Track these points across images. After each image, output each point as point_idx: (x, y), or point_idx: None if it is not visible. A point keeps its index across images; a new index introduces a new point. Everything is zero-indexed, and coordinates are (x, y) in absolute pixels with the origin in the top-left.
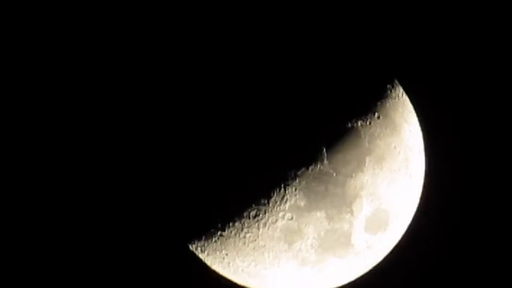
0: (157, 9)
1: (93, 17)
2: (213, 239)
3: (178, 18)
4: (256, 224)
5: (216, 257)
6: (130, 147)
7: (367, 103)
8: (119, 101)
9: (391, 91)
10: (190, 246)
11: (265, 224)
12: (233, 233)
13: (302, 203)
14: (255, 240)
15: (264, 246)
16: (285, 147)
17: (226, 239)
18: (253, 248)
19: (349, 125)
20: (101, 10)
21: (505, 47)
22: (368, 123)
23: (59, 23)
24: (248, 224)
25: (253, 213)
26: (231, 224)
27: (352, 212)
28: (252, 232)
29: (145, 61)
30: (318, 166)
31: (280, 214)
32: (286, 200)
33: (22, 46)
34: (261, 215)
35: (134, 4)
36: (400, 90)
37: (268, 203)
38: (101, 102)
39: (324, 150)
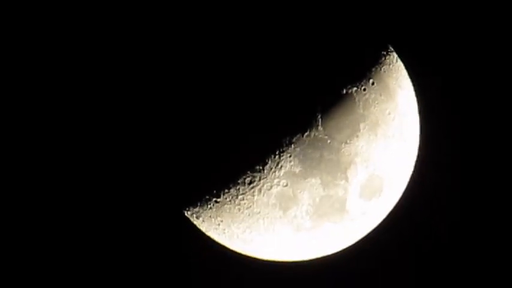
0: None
1: (93, 16)
2: (208, 206)
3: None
4: (251, 190)
5: (211, 224)
6: (126, 115)
7: (362, 70)
8: (113, 73)
9: (385, 57)
10: (185, 213)
11: (260, 190)
12: (228, 199)
13: (297, 170)
14: (250, 206)
15: (259, 212)
16: (280, 114)
17: (221, 206)
18: (248, 215)
19: (344, 91)
20: (101, 10)
21: (499, 11)
22: (363, 89)
23: (59, 23)
24: (243, 190)
25: (248, 179)
26: (226, 191)
27: (347, 178)
28: (247, 199)
29: (135, 34)
30: (313, 133)
31: (275, 181)
32: (281, 166)
33: (22, 46)
34: (256, 182)
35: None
36: (394, 56)
37: (263, 169)
38: (95, 74)
39: (319, 116)
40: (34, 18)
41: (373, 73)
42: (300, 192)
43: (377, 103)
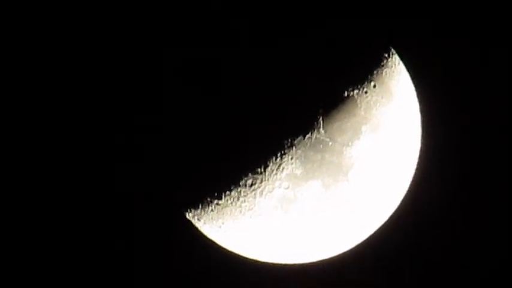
0: None
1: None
2: (210, 208)
3: None
4: (253, 192)
5: (213, 226)
6: (127, 116)
7: (363, 72)
8: (112, 70)
9: (387, 60)
10: (186, 215)
11: (261, 192)
12: (229, 201)
13: (298, 172)
14: (252, 208)
15: (261, 215)
16: (281, 116)
17: (222, 208)
18: (250, 217)
19: (346, 94)
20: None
21: (500, 15)
22: (364, 92)
23: (59, 23)
24: (244, 192)
25: (249, 182)
26: (227, 193)
27: (348, 181)
28: (248, 201)
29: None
30: (315, 135)
31: (277, 183)
32: (283, 168)
33: (22, 46)
34: (257, 184)
35: None
36: (396, 58)
37: (265, 171)
38: (93, 69)
39: (321, 119)
40: (34, 18)
41: (374, 76)
42: (302, 194)
43: (378, 105)
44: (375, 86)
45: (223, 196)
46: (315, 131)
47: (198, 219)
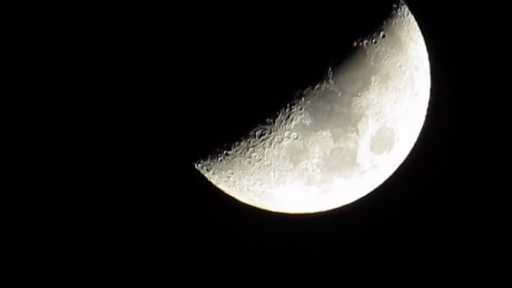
0: None
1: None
2: (219, 158)
3: None
4: (262, 143)
5: (222, 176)
6: (135, 67)
7: (373, 22)
8: (120, 24)
9: (396, 10)
10: (195, 166)
11: (270, 143)
12: (239, 152)
13: (308, 122)
14: (261, 159)
15: (270, 165)
16: (290, 66)
17: (231, 158)
18: (259, 167)
19: (355, 44)
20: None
21: None
22: (373, 42)
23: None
24: (254, 143)
25: (258, 132)
26: (236, 143)
27: (357, 131)
28: (257, 151)
29: None
30: (324, 85)
31: (286, 133)
32: (292, 119)
33: (21, 46)
34: (266, 134)
35: None
36: (405, 9)
37: (274, 122)
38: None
39: (330, 69)
40: (35, 18)
41: (384, 26)
42: (311, 145)
43: (388, 56)
44: (384, 36)
45: (232, 147)
46: (324, 81)
47: (207, 170)
